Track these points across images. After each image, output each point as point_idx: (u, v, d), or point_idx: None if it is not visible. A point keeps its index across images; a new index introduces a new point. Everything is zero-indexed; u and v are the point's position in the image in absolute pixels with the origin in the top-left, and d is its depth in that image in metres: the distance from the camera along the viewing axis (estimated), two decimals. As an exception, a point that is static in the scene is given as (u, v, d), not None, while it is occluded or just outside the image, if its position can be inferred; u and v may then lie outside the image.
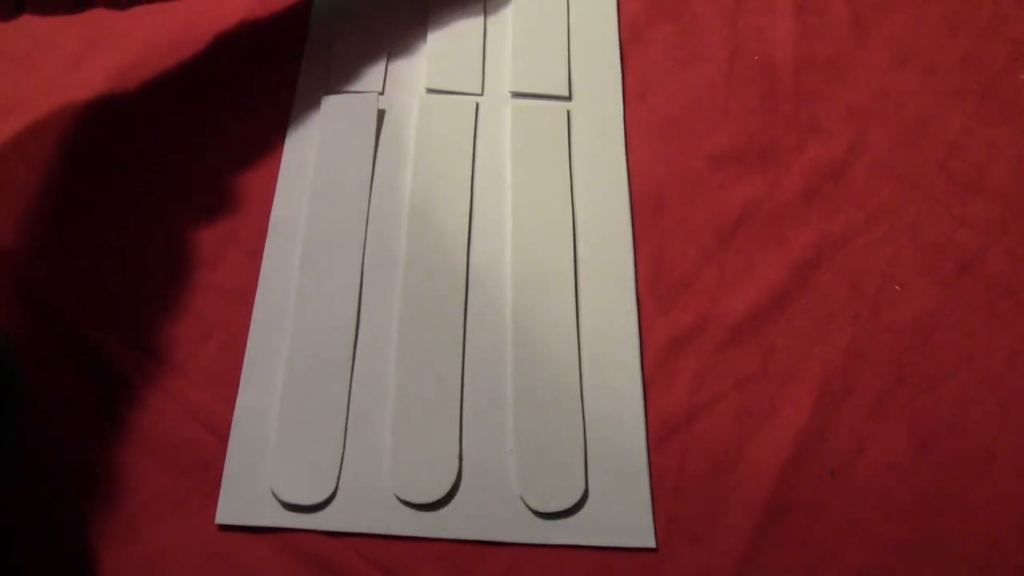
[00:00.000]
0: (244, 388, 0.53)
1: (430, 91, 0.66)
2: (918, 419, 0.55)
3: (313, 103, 0.64)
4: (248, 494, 0.50)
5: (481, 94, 0.66)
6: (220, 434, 0.52)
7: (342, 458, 0.52)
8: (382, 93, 0.65)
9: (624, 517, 0.51)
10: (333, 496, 0.51)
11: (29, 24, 0.57)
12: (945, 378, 0.56)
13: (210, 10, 0.68)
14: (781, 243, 0.61)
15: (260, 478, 0.51)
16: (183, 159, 0.62)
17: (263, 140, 0.63)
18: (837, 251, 0.61)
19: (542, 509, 0.51)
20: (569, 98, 0.66)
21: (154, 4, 0.59)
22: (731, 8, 0.72)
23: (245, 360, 0.54)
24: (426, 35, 0.68)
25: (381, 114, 0.64)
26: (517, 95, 0.66)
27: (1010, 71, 0.69)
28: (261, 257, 0.58)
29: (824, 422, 0.54)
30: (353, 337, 0.55)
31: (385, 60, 0.67)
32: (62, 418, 0.52)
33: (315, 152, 0.62)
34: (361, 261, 0.58)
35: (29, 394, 0.51)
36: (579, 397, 0.54)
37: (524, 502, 0.51)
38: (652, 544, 0.50)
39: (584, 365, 0.56)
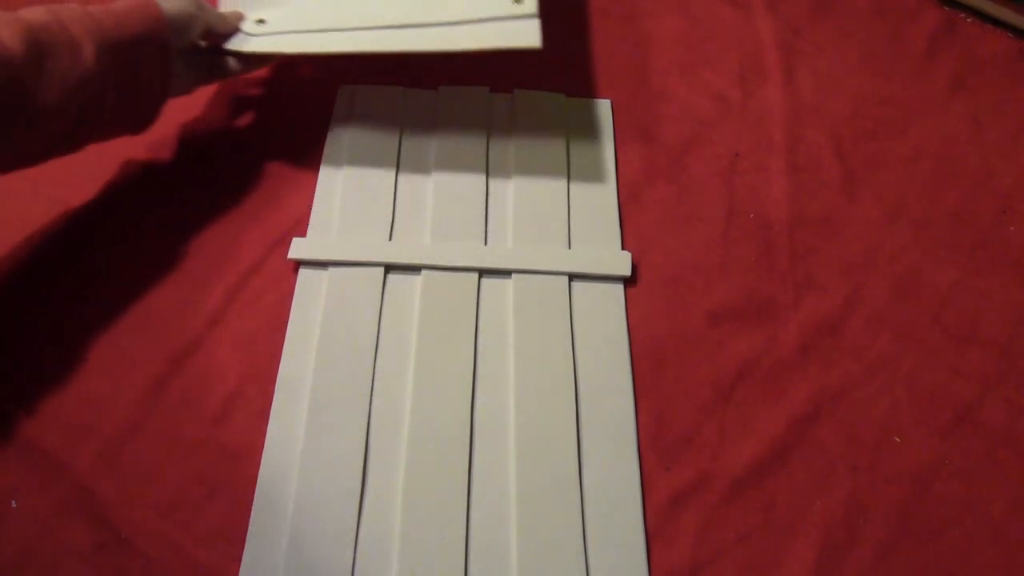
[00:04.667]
0: (250, 547, 0.57)
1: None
2: (921, 570, 0.58)
3: (318, 268, 0.71)
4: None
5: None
6: (225, 594, 0.56)
7: (346, 619, 0.55)
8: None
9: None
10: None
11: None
12: (947, 528, 0.60)
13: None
14: (780, 397, 0.65)
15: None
16: (189, 321, 0.68)
17: (271, 301, 0.69)
18: (835, 404, 0.65)
19: (545, 668, 0.53)
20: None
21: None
22: (726, 168, 0.79)
23: (251, 519, 0.58)
24: (430, 199, 0.75)
25: (385, 287, 0.70)
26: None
27: (999, 223, 0.75)
28: (268, 417, 0.63)
29: (828, 575, 0.58)
30: (358, 497, 0.60)
31: (391, 219, 0.73)
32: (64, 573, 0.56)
33: (321, 315, 0.68)
34: (367, 421, 0.63)
35: (33, 555, 0.55)
36: (583, 553, 0.58)
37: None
38: None
39: (587, 522, 0.59)
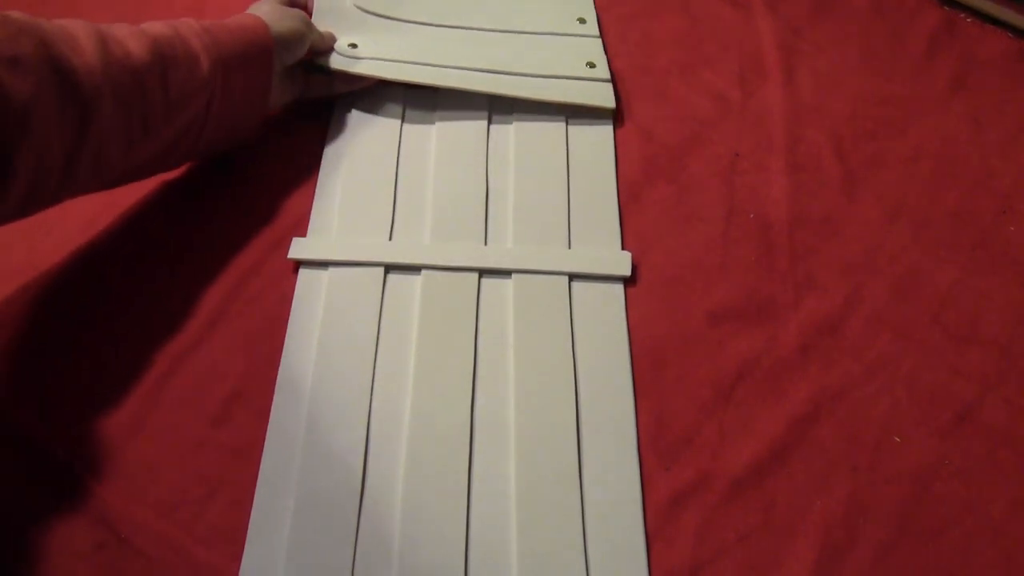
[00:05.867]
0: (250, 547, 0.58)
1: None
2: (921, 570, 0.58)
3: (318, 268, 0.71)
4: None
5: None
6: (225, 594, 0.56)
7: (346, 619, 0.55)
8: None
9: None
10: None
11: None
12: (947, 528, 0.60)
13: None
14: (780, 397, 0.65)
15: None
16: (189, 321, 0.68)
17: (271, 301, 0.70)
18: (835, 404, 0.65)
19: (546, 668, 0.54)
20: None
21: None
22: (726, 168, 0.79)
23: (251, 518, 0.59)
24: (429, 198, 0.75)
25: (385, 287, 0.70)
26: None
27: (999, 223, 0.75)
28: (268, 416, 0.63)
29: (828, 575, 0.58)
30: (358, 497, 0.60)
31: (391, 219, 0.74)
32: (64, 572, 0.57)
33: (321, 315, 0.68)
34: (367, 420, 0.63)
35: (33, 555, 0.56)
36: (583, 553, 0.58)
37: (527, 661, 0.54)
38: None
39: (587, 522, 0.59)
